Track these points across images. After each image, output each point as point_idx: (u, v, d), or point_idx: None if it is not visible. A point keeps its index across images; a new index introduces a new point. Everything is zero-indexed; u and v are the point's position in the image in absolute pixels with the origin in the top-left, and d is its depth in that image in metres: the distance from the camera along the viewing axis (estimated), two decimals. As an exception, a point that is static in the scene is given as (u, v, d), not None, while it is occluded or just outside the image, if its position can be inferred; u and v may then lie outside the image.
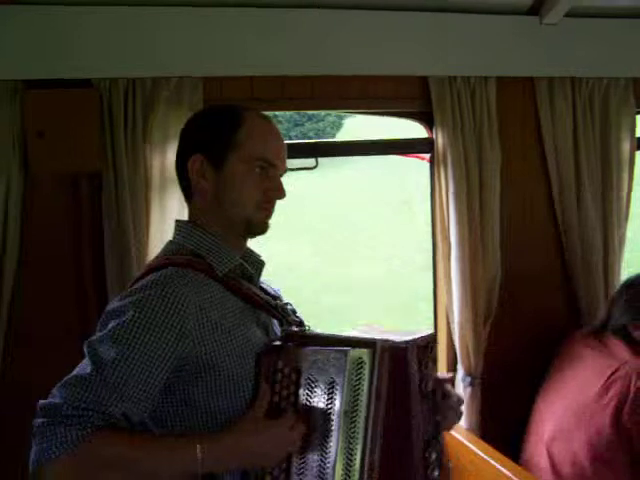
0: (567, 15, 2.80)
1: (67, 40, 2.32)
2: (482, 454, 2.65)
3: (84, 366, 1.41)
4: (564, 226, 3.00)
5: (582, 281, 3.02)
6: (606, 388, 2.50)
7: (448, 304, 2.85)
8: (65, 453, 1.32)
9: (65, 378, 1.40)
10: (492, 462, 2.57)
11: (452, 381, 1.73)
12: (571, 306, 3.07)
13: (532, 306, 3.01)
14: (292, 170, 2.57)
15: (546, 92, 2.89)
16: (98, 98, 2.34)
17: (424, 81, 2.73)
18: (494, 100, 2.79)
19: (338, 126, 16.77)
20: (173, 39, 2.41)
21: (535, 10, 2.79)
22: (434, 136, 2.78)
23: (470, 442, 2.76)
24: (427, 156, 2.87)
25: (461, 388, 2.88)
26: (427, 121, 2.81)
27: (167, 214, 2.39)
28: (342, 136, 14.51)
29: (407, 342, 1.49)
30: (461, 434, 2.83)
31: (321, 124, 16.48)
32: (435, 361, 1.57)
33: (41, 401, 1.38)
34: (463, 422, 2.87)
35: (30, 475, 1.35)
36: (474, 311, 2.81)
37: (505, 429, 2.86)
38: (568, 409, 2.60)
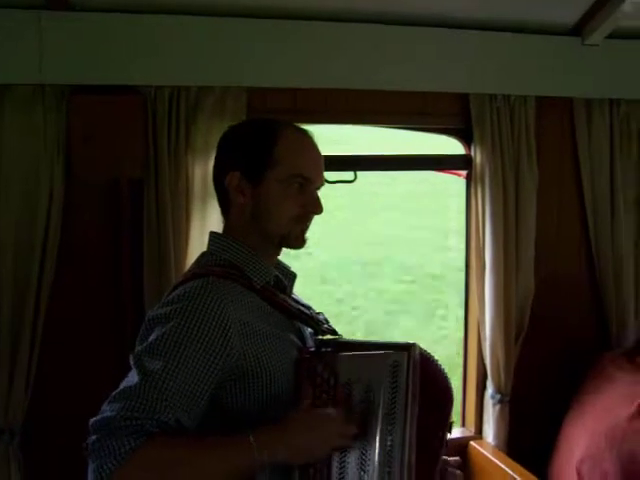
0: (609, 37, 2.80)
1: (114, 47, 2.35)
2: (510, 471, 2.66)
3: (131, 378, 1.42)
4: (597, 249, 3.00)
5: (613, 302, 3.01)
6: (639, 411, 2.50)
7: (480, 321, 2.86)
8: (123, 463, 1.32)
9: (113, 393, 1.41)
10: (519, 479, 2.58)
11: (459, 464, 1.78)
12: (601, 325, 3.07)
13: (562, 324, 3.01)
14: (330, 183, 2.61)
15: (584, 112, 2.89)
16: (143, 105, 2.37)
17: (464, 98, 2.74)
18: (533, 119, 2.79)
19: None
20: (219, 48, 2.43)
21: (577, 31, 2.79)
22: (472, 153, 2.79)
23: (497, 459, 2.77)
24: (464, 173, 2.88)
25: (490, 405, 2.89)
26: (465, 138, 2.83)
27: (207, 223, 2.41)
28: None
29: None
30: (489, 451, 2.84)
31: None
32: None
33: (92, 419, 1.38)
34: (491, 439, 2.88)
35: None
36: (506, 329, 2.81)
37: (533, 447, 2.86)
38: (599, 430, 2.59)
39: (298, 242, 1.68)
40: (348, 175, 2.63)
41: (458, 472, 1.72)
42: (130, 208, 2.44)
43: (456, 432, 2.99)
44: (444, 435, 1.67)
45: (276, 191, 1.63)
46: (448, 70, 2.70)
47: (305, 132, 1.70)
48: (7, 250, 2.28)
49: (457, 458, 1.75)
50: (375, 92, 2.62)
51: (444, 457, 1.68)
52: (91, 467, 1.35)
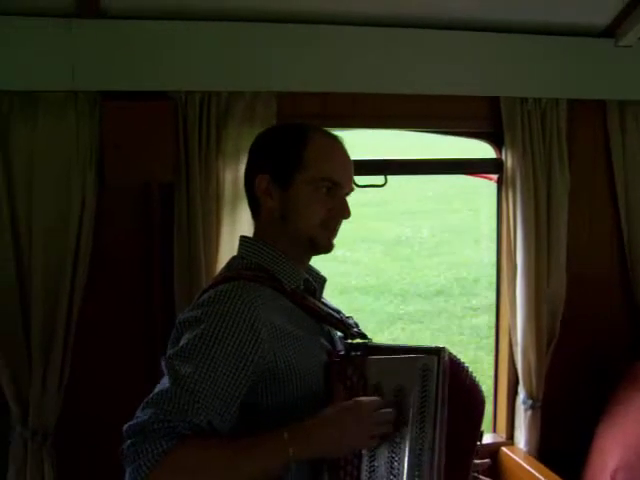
0: (642, 37, 2.77)
1: (145, 53, 2.37)
2: (542, 477, 2.64)
3: (164, 383, 1.44)
4: (630, 253, 2.96)
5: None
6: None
7: (511, 326, 2.84)
8: (157, 466, 1.34)
9: (146, 398, 1.42)
10: (551, 486, 2.56)
11: (487, 469, 1.77)
12: (634, 330, 3.03)
13: (595, 329, 2.98)
14: (360, 187, 2.61)
15: (617, 115, 2.86)
16: (174, 110, 2.38)
17: (494, 101, 2.73)
18: (565, 122, 2.77)
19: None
20: (249, 54, 2.44)
21: (610, 32, 2.76)
22: (503, 157, 2.77)
23: (529, 465, 2.75)
24: (495, 176, 2.86)
25: (522, 411, 2.86)
26: (496, 141, 2.81)
27: (238, 228, 2.41)
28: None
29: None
30: (520, 457, 2.82)
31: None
32: None
33: (126, 424, 1.40)
34: (523, 445, 2.86)
35: None
36: (538, 333, 2.79)
37: (565, 453, 2.82)
38: (632, 442, 2.56)
39: (326, 246, 1.69)
40: (378, 179, 2.63)
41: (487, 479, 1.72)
42: (161, 213, 2.46)
43: (487, 438, 2.97)
44: (474, 441, 1.66)
45: (304, 195, 1.63)
46: (479, 73, 2.68)
47: (335, 137, 1.70)
48: (40, 255, 2.30)
49: (487, 460, 1.74)
50: (405, 96, 2.61)
51: (474, 461, 1.68)
52: (127, 471, 1.38)
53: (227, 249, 2.43)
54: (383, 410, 1.50)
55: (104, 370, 2.46)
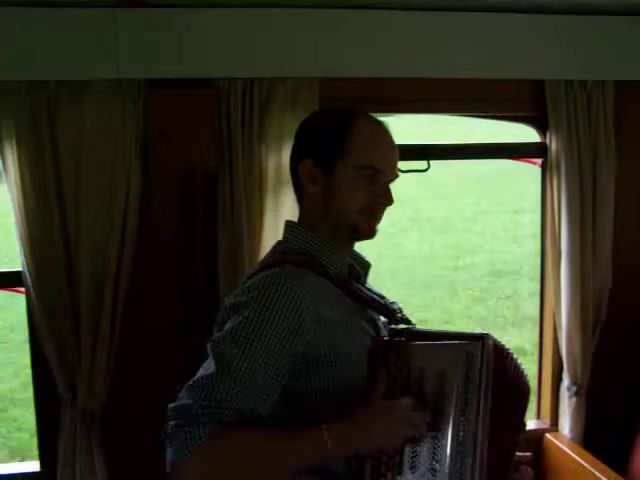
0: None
1: (188, 41, 2.39)
2: (586, 465, 2.61)
3: (208, 366, 1.46)
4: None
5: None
6: None
7: (556, 311, 2.81)
8: (197, 450, 1.37)
9: (191, 380, 1.44)
10: (597, 473, 2.53)
11: (530, 461, 1.75)
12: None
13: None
14: (403, 172, 2.60)
15: (665, 96, 2.79)
16: (217, 98, 2.40)
17: (538, 84, 2.69)
18: (611, 105, 2.71)
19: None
20: (291, 40, 2.44)
21: (659, 11, 2.70)
22: (548, 141, 2.73)
23: (574, 452, 2.72)
24: (539, 161, 2.83)
25: (566, 397, 2.83)
26: (540, 125, 2.77)
27: (281, 213, 2.43)
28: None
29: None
30: (565, 444, 2.80)
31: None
32: None
33: (170, 404, 1.43)
34: (567, 432, 2.83)
35: (168, 476, 1.39)
36: (583, 319, 2.75)
37: (610, 440, 2.79)
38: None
39: (368, 233, 1.68)
40: (421, 164, 2.62)
41: (529, 469, 1.70)
42: (205, 199, 2.48)
43: (531, 424, 2.96)
44: (518, 431, 1.65)
45: (346, 182, 1.63)
46: (522, 56, 2.64)
47: (380, 123, 1.69)
48: (87, 240, 2.35)
49: (529, 454, 1.73)
50: (448, 80, 2.58)
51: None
52: (168, 451, 1.40)
53: (270, 234, 2.45)
54: (419, 413, 1.50)
55: (150, 353, 2.50)
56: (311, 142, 1.69)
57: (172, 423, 1.41)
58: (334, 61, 2.47)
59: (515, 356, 1.64)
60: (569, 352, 2.79)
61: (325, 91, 2.46)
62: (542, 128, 2.76)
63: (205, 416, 1.39)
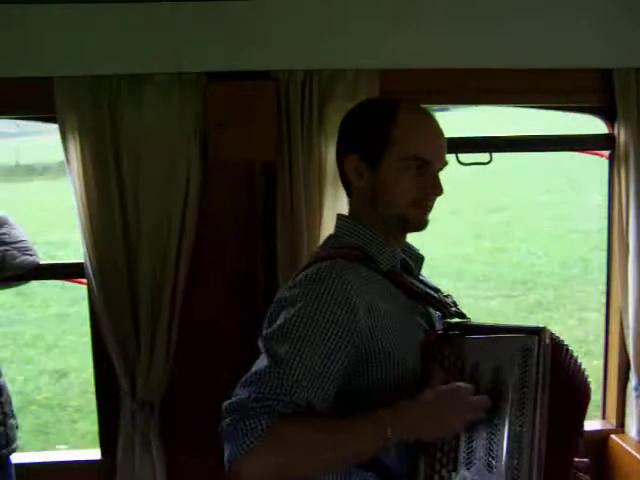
0: None
1: (247, 33, 2.38)
2: (654, 468, 2.53)
3: (261, 362, 1.44)
4: None
5: None
6: None
7: (623, 308, 2.72)
8: (256, 443, 1.35)
9: (245, 377, 1.43)
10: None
11: (587, 468, 1.67)
12: None
13: None
14: (465, 165, 2.56)
15: None
16: (276, 90, 2.39)
17: (605, 73, 2.60)
18: (685, 93, 2.60)
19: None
20: (351, 31, 2.42)
21: None
22: (615, 132, 2.64)
23: (640, 454, 2.64)
24: (606, 153, 2.74)
25: (633, 397, 2.75)
26: (607, 116, 2.68)
27: (340, 206, 2.39)
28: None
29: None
30: (631, 446, 2.71)
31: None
32: None
33: (225, 402, 1.41)
34: (634, 433, 2.75)
35: (227, 473, 1.38)
36: (651, 316, 2.66)
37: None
38: None
39: (418, 225, 1.64)
40: (484, 156, 2.57)
41: (587, 477, 1.64)
42: (263, 192, 2.48)
43: (596, 424, 2.88)
44: (577, 431, 1.59)
45: (393, 174, 1.59)
46: (589, 44, 2.56)
47: (424, 111, 1.64)
48: (147, 232, 2.39)
49: (586, 460, 1.66)
50: (511, 70, 2.52)
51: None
52: (226, 447, 1.39)
53: (329, 228, 2.38)
54: (478, 396, 1.46)
55: (207, 346, 2.52)
56: (355, 136, 1.65)
57: (228, 420, 1.39)
58: (395, 52, 2.44)
59: (575, 353, 1.58)
60: (636, 350, 2.70)
61: (386, 83, 2.43)
62: (610, 119, 2.67)
63: (261, 408, 1.37)
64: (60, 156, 2.40)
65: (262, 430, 1.35)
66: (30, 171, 14.40)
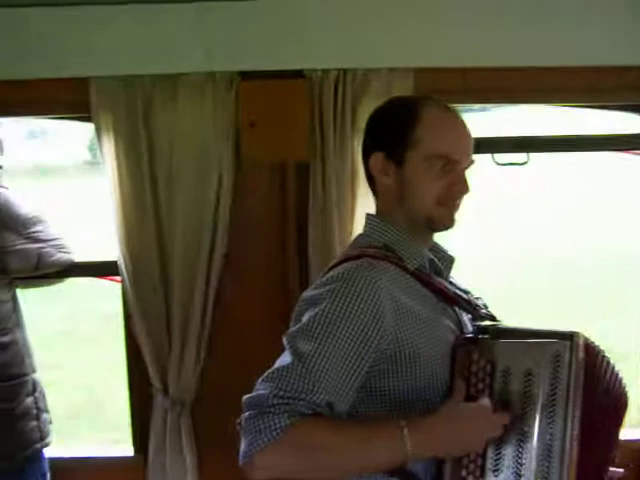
0: None
1: (280, 32, 2.39)
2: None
3: (284, 359, 1.44)
4: None
5: None
6: None
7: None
8: (273, 440, 1.34)
9: (267, 372, 1.42)
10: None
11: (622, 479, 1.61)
12: None
13: None
14: (501, 165, 2.51)
15: None
16: (309, 89, 2.39)
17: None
18: None
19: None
20: (384, 29, 2.39)
21: None
22: (661, 131, 2.56)
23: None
24: (647, 153, 2.66)
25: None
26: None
27: (373, 206, 2.38)
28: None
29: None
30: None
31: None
32: None
33: (245, 396, 1.41)
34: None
35: (242, 467, 1.38)
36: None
37: None
38: None
39: (445, 224, 1.62)
40: (521, 157, 2.52)
41: None
42: (296, 190, 2.48)
43: (634, 433, 2.80)
44: (613, 443, 1.55)
45: (418, 173, 1.57)
46: (627, 40, 2.47)
47: (449, 109, 1.62)
48: (179, 230, 2.41)
49: (621, 470, 1.61)
50: (547, 69, 2.45)
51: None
52: (243, 441, 1.39)
53: (361, 227, 2.41)
54: (498, 414, 1.43)
55: (239, 343, 2.53)
56: (380, 134, 1.64)
57: (247, 414, 1.39)
58: (429, 50, 2.41)
59: (608, 356, 1.54)
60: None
61: (420, 82, 2.40)
62: (657, 117, 2.60)
63: (280, 407, 1.37)
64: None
65: (280, 429, 1.35)
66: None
